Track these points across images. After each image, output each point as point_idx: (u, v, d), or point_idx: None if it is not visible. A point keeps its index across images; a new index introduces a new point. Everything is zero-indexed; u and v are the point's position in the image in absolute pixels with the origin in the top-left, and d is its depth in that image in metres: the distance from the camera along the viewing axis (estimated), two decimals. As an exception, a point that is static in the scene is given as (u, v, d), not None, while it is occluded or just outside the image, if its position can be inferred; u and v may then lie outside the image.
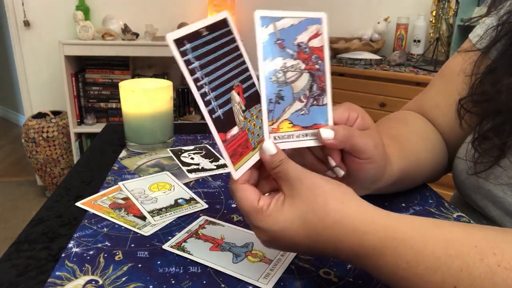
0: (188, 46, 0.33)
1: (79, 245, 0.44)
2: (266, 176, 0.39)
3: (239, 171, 0.36)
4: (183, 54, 0.32)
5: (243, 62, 0.37)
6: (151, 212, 0.51)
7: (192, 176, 0.61)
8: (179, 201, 0.54)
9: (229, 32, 0.36)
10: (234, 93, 0.36)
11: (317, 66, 0.39)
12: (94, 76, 2.18)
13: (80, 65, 2.20)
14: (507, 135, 0.46)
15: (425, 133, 0.58)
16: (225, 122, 0.35)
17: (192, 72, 0.33)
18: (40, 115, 2.20)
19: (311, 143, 0.39)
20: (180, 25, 2.16)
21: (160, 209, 0.51)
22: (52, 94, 2.33)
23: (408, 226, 0.33)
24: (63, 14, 2.20)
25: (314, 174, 0.36)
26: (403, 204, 0.54)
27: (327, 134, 0.38)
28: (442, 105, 0.59)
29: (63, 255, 0.42)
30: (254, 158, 0.37)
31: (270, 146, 0.37)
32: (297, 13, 0.38)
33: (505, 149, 0.47)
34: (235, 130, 0.36)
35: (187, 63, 0.33)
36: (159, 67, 2.32)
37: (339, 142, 0.38)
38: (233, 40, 0.37)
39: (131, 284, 0.38)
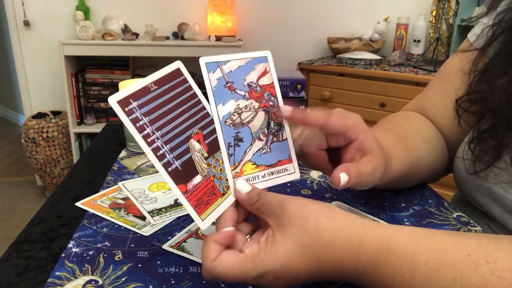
0: (134, 104, 0.33)
1: (79, 245, 0.44)
2: (243, 219, 0.38)
3: (206, 221, 0.35)
4: (129, 113, 0.33)
5: (202, 108, 0.37)
6: (151, 212, 0.51)
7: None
8: (179, 201, 0.54)
9: (184, 81, 0.37)
10: (193, 142, 0.35)
11: (270, 103, 0.39)
12: (94, 76, 2.18)
13: (80, 65, 2.20)
14: (502, 136, 0.46)
15: (427, 134, 0.58)
16: (185, 173, 0.34)
17: (141, 129, 0.33)
18: (40, 115, 2.20)
19: (279, 180, 0.39)
20: (180, 25, 2.16)
21: (160, 209, 0.51)
22: (52, 94, 2.33)
23: (400, 237, 0.32)
24: (63, 14, 2.20)
25: (295, 197, 0.35)
26: (403, 204, 0.54)
27: (344, 179, 0.38)
28: (440, 104, 0.59)
29: (63, 255, 0.42)
30: (225, 203, 0.36)
31: (243, 184, 0.36)
32: (242, 54, 0.39)
33: (500, 150, 0.47)
34: (197, 179, 0.35)
35: (135, 120, 0.33)
36: (159, 67, 2.30)
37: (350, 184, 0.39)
38: (189, 88, 0.37)
39: (131, 284, 0.38)
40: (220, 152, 0.37)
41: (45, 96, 2.34)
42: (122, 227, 0.48)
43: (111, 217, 0.49)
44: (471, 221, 0.51)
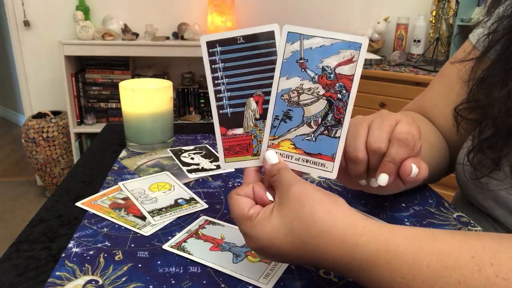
0: (218, 49, 0.37)
1: (79, 245, 0.44)
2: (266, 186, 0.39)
3: (227, 164, 0.38)
4: (211, 54, 0.37)
5: (273, 77, 0.37)
6: (151, 212, 0.51)
7: (192, 176, 0.61)
8: (179, 201, 0.54)
9: (271, 45, 0.36)
10: (251, 100, 0.37)
11: (339, 96, 0.36)
12: (94, 76, 2.18)
13: (80, 65, 2.21)
14: (501, 148, 0.46)
15: (430, 136, 0.58)
16: (231, 121, 0.38)
17: (213, 71, 0.37)
18: (40, 115, 2.20)
19: (312, 171, 0.38)
20: (180, 25, 2.16)
21: (160, 209, 0.51)
22: (52, 94, 2.33)
23: (401, 239, 0.32)
24: (63, 14, 2.20)
25: (305, 182, 0.35)
26: (403, 204, 0.54)
27: (415, 170, 0.39)
28: (441, 106, 0.59)
29: (63, 255, 0.42)
30: (251, 162, 0.38)
31: (271, 155, 0.38)
32: (333, 33, 0.36)
33: (499, 161, 0.47)
34: (239, 131, 0.38)
35: (212, 62, 0.37)
36: (159, 67, 2.32)
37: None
38: (273, 53, 0.36)
39: (131, 284, 0.38)
40: None
41: (45, 96, 2.34)
42: (122, 227, 0.48)
43: (111, 217, 0.49)
44: (472, 221, 0.51)
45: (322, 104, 0.37)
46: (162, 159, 0.67)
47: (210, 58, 0.36)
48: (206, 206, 0.53)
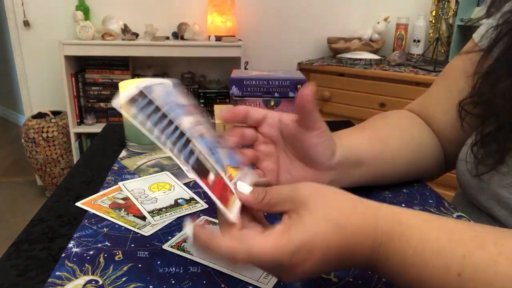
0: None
1: (79, 245, 0.44)
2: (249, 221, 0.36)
3: (233, 213, 0.34)
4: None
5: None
6: (151, 212, 0.51)
7: (192, 176, 0.61)
8: (179, 201, 0.54)
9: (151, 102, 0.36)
10: (194, 143, 0.35)
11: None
12: (94, 76, 2.18)
13: (80, 65, 2.21)
14: (505, 140, 0.46)
15: (403, 125, 0.59)
16: (201, 170, 0.34)
17: (150, 131, 0.34)
18: (40, 115, 2.20)
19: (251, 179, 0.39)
20: (180, 25, 2.16)
21: (160, 209, 0.51)
22: (52, 94, 2.33)
23: (410, 214, 0.34)
24: (63, 14, 2.20)
25: (300, 182, 0.35)
26: (403, 205, 0.54)
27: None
28: (443, 103, 0.59)
29: (63, 255, 0.42)
30: (237, 202, 0.35)
31: (243, 186, 0.36)
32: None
33: (504, 154, 0.46)
34: (211, 177, 0.35)
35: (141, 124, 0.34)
36: (159, 67, 2.32)
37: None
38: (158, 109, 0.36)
39: (131, 284, 0.38)
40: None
41: (45, 96, 2.34)
42: (122, 227, 0.48)
43: (111, 217, 0.49)
44: (472, 221, 0.51)
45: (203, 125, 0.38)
46: (162, 159, 0.67)
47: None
48: (206, 206, 0.53)
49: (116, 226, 0.48)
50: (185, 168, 0.34)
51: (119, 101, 0.34)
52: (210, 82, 2.35)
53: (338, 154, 0.47)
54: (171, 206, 0.52)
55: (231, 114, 0.43)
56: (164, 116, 0.35)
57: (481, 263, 0.30)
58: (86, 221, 0.49)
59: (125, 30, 2.09)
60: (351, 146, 0.49)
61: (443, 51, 1.95)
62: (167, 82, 0.40)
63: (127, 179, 0.60)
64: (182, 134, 0.35)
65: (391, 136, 0.56)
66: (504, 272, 0.29)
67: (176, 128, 0.35)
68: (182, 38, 2.15)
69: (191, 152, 0.35)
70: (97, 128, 2.17)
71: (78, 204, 0.52)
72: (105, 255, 0.42)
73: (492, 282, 0.29)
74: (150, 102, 0.35)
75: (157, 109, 0.35)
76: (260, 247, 0.31)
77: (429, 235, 0.32)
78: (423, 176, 0.61)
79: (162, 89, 0.37)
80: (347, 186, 0.47)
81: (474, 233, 0.32)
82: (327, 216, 0.32)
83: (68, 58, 2.04)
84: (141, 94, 0.36)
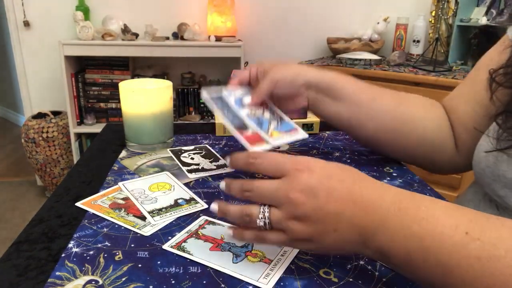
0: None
1: (79, 245, 0.44)
2: None
3: (254, 148, 0.50)
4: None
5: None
6: (151, 212, 0.51)
7: (192, 176, 0.61)
8: (179, 201, 0.54)
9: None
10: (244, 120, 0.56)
11: (269, 107, 0.60)
12: (94, 76, 2.18)
13: (80, 65, 2.21)
14: None
15: (401, 94, 0.64)
16: (241, 127, 0.53)
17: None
18: (40, 115, 2.20)
19: (296, 138, 0.56)
20: (180, 26, 2.16)
21: (160, 209, 0.51)
22: (52, 94, 2.33)
23: (417, 194, 0.37)
24: (63, 14, 2.20)
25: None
26: (403, 204, 0.54)
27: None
28: (466, 93, 0.60)
29: (63, 255, 0.42)
30: (264, 147, 0.51)
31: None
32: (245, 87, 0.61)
33: None
34: (249, 132, 0.53)
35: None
36: (159, 67, 2.32)
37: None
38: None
39: (131, 284, 0.38)
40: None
41: (45, 96, 2.34)
42: (122, 227, 0.48)
43: (111, 217, 0.49)
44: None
45: (267, 112, 0.59)
46: (162, 159, 0.67)
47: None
48: (206, 206, 0.53)
49: (116, 226, 0.48)
50: (231, 128, 0.53)
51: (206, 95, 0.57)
52: (210, 82, 2.35)
53: (309, 77, 0.59)
54: (171, 206, 0.52)
55: (238, 82, 0.61)
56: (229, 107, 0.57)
57: (487, 226, 0.32)
58: (86, 221, 0.49)
59: (125, 30, 2.09)
60: (334, 79, 0.60)
61: (442, 51, 1.95)
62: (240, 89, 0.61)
63: (127, 179, 0.60)
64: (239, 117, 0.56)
65: (385, 99, 0.62)
66: (507, 237, 0.31)
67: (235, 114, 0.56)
68: (182, 38, 2.15)
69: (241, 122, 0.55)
70: (97, 128, 2.17)
71: (78, 204, 0.52)
72: (105, 255, 0.42)
73: (496, 244, 0.31)
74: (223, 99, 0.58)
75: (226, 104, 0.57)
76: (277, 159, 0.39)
77: (438, 202, 0.35)
78: (406, 159, 0.65)
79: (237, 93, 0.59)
80: (324, 115, 0.63)
81: (478, 212, 0.34)
82: (334, 166, 0.39)
83: (68, 58, 2.04)
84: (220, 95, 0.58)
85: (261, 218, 0.38)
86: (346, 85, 0.61)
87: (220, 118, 0.54)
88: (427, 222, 0.34)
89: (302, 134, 0.56)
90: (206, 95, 0.56)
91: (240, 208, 0.39)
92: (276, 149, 0.56)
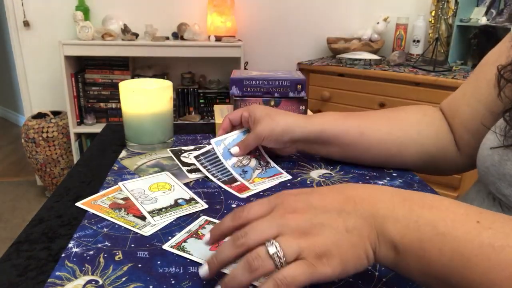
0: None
1: (79, 245, 0.44)
2: None
3: (243, 195, 0.56)
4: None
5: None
6: (151, 212, 0.51)
7: (192, 176, 0.61)
8: (179, 201, 0.54)
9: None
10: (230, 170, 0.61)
11: (257, 153, 0.65)
12: (94, 76, 2.18)
13: (80, 65, 2.21)
14: None
15: (390, 114, 0.63)
16: (230, 181, 0.60)
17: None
18: (40, 115, 2.20)
19: (277, 181, 0.61)
20: (180, 26, 2.16)
21: (160, 209, 0.51)
22: (52, 94, 2.33)
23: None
24: (63, 14, 2.20)
25: None
26: (403, 204, 0.54)
27: (235, 150, 0.63)
28: (468, 95, 0.60)
29: (63, 255, 0.42)
30: (250, 193, 0.57)
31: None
32: (234, 132, 0.65)
33: None
34: (237, 183, 0.59)
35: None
36: (159, 67, 2.32)
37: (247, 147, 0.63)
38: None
39: (131, 284, 0.38)
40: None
41: (45, 96, 2.34)
42: (122, 227, 0.48)
43: (111, 217, 0.49)
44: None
45: (253, 160, 0.64)
46: (162, 159, 0.68)
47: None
48: (206, 206, 0.53)
49: (116, 226, 0.48)
50: (220, 183, 0.59)
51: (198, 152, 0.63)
52: (210, 82, 2.35)
53: (296, 133, 0.60)
54: (171, 206, 0.52)
55: (223, 131, 0.65)
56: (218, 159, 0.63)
57: (497, 217, 0.32)
58: (86, 221, 0.49)
59: (125, 30, 2.09)
60: (322, 128, 0.61)
61: (442, 51, 1.95)
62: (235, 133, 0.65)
63: (127, 179, 0.60)
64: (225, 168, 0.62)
65: (374, 130, 0.62)
66: None
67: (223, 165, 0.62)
68: (182, 38, 2.15)
69: (229, 175, 0.61)
70: (97, 128, 2.17)
71: (78, 204, 0.52)
72: (105, 255, 0.42)
73: (509, 233, 0.30)
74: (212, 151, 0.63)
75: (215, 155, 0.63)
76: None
77: (445, 199, 0.35)
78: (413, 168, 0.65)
79: (232, 137, 0.65)
80: (320, 155, 0.67)
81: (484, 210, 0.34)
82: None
83: (68, 58, 2.04)
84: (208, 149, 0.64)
85: (273, 253, 0.33)
86: (334, 129, 0.61)
87: (210, 177, 0.60)
88: (437, 209, 0.33)
89: (285, 177, 0.62)
90: (195, 160, 0.62)
91: (243, 258, 0.34)
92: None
